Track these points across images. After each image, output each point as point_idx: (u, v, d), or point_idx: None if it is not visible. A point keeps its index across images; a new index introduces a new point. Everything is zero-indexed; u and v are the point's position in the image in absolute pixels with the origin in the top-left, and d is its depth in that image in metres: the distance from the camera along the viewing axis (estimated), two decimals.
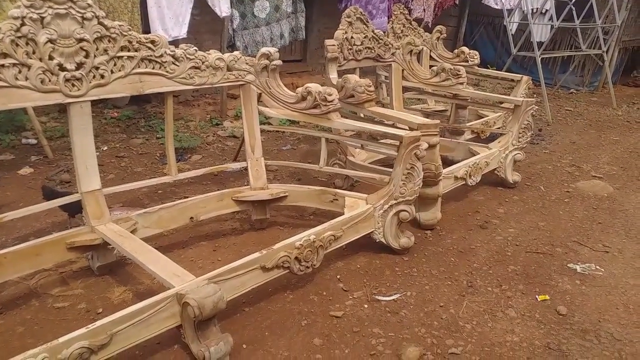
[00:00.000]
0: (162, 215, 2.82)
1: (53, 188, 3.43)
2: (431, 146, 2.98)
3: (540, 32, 8.81)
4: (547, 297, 2.71)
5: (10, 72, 2.20)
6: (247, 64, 3.06)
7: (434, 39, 5.40)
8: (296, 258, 2.41)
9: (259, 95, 3.16)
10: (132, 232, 2.69)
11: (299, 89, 3.07)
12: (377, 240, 2.90)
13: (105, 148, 5.36)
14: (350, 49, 3.99)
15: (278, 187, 3.21)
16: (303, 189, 3.18)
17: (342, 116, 3.32)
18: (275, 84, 3.15)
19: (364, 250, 3.02)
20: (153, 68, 2.68)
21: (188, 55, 2.79)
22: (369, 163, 3.58)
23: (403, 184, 2.77)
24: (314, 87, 3.01)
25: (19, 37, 2.20)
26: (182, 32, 5.02)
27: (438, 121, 3.06)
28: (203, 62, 2.86)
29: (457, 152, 4.32)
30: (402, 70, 4.43)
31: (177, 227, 2.97)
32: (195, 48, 2.84)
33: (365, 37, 4.08)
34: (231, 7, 5.42)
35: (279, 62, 3.12)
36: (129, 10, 4.47)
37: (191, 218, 2.95)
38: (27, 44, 2.23)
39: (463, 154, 4.29)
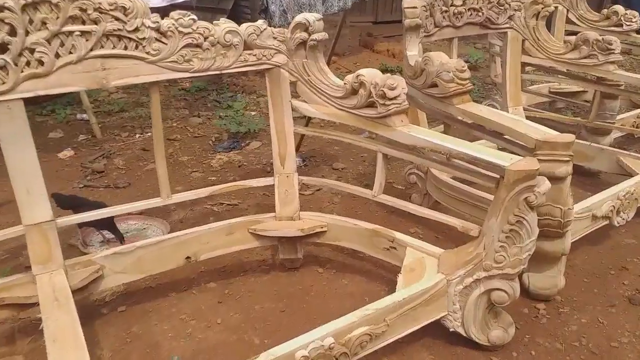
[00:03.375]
0: (142, 256, 2.01)
1: (66, 196, 2.78)
2: (556, 179, 1.80)
3: None
4: None
5: None
6: (275, 38, 2.08)
7: None
8: None
9: (293, 85, 2.18)
10: (96, 280, 1.92)
11: (349, 78, 2.03)
12: (451, 330, 1.83)
13: None
14: (446, 11, 2.82)
15: (314, 218, 2.25)
16: (348, 224, 2.18)
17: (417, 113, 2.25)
18: (317, 68, 2.14)
19: (428, 338, 1.95)
20: (124, 48, 1.81)
21: (181, 28, 1.88)
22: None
23: (501, 247, 1.66)
24: (369, 74, 1.96)
25: None
26: None
27: (572, 137, 1.84)
28: (206, 38, 1.94)
29: (599, 161, 3.00)
30: (523, 40, 3.14)
31: (167, 270, 2.14)
32: (194, 17, 1.92)
33: None
34: None
35: (322, 35, 2.10)
36: None
37: (187, 258, 2.12)
38: None
39: (607, 164, 2.96)
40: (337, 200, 3.22)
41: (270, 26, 2.11)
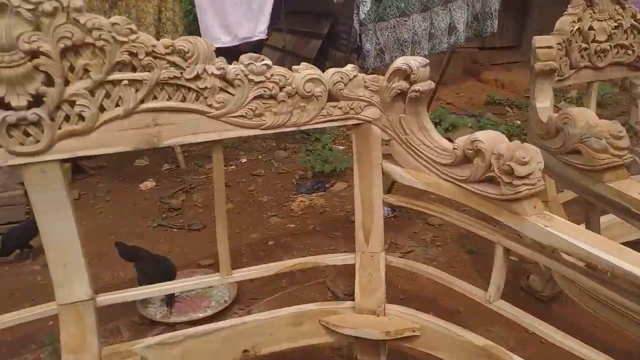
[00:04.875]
0: (192, 347, 1.66)
1: (129, 247, 2.57)
2: None
3: None
4: None
5: None
6: (366, 87, 1.66)
7: None
8: None
9: (386, 143, 1.74)
10: None
11: (460, 141, 1.54)
12: None
13: (244, 160, 4.51)
14: (585, 49, 2.25)
15: (404, 315, 1.76)
16: (450, 332, 1.66)
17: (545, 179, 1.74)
18: (418, 126, 1.68)
19: None
20: (181, 100, 1.48)
21: (251, 76, 1.52)
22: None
23: None
24: (489, 141, 1.46)
25: None
26: (259, 30, 3.48)
27: None
28: (282, 88, 1.56)
29: None
30: None
31: None
32: (268, 62, 1.54)
33: (617, 27, 2.30)
34: None
35: (427, 85, 1.63)
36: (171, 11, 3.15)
37: (245, 351, 1.73)
38: None
39: None
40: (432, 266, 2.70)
41: (363, 68, 1.70)
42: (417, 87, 1.61)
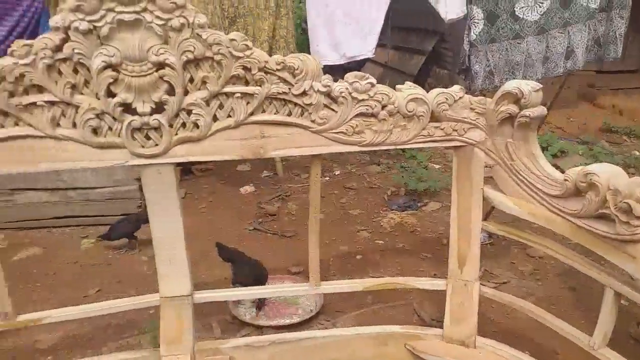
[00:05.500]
0: (276, 354, 1.70)
1: (228, 248, 2.71)
2: None
3: None
4: None
5: (44, 115, 1.40)
6: (472, 109, 1.61)
7: None
8: None
9: (488, 168, 1.67)
10: None
11: (571, 172, 1.44)
12: None
13: (338, 173, 4.56)
14: None
15: (497, 349, 1.67)
16: None
17: None
18: (525, 152, 1.59)
19: None
20: (287, 114, 1.54)
21: (355, 94, 1.54)
22: None
23: None
24: (605, 174, 1.35)
25: (60, 61, 1.37)
26: (367, 49, 3.43)
27: None
28: (384, 106, 1.57)
29: None
30: None
31: None
32: (372, 80, 1.56)
33: None
34: (469, 2, 3.35)
35: (539, 111, 1.55)
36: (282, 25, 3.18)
37: None
38: (74, 71, 1.39)
39: None
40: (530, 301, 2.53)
41: (469, 89, 1.66)
42: (527, 112, 1.54)
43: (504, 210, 1.65)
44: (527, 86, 1.52)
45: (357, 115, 1.57)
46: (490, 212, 2.88)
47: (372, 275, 2.88)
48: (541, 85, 1.56)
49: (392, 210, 3.72)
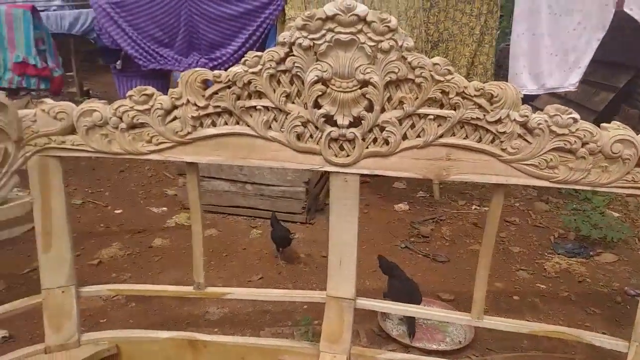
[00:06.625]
0: None
1: (388, 262, 2.78)
2: None
3: None
4: None
5: (260, 117, 1.60)
6: None
7: None
8: None
9: None
10: None
11: None
12: None
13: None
14: None
15: None
16: None
17: None
18: None
19: None
20: (477, 140, 1.54)
21: (554, 127, 1.49)
22: None
23: None
24: None
25: (281, 72, 1.56)
26: (570, 82, 3.31)
27: None
28: (584, 144, 1.48)
29: None
30: None
31: None
32: (575, 115, 1.49)
33: None
34: None
35: None
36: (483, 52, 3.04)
37: None
38: (290, 82, 1.57)
39: None
40: None
41: None
42: None
43: None
44: None
45: (552, 149, 1.50)
46: None
47: (529, 319, 2.70)
48: None
49: (559, 254, 3.45)
